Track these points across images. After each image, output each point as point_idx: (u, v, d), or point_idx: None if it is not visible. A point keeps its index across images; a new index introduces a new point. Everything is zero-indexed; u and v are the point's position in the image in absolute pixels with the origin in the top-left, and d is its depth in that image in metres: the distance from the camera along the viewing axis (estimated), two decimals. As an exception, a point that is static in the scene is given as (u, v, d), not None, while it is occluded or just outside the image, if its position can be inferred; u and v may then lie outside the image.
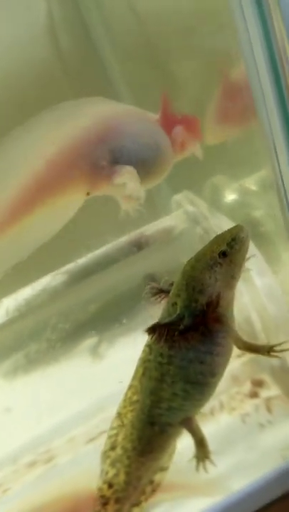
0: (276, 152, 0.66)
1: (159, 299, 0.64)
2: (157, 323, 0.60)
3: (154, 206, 0.90)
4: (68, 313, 0.95)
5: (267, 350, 0.63)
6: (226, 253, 0.59)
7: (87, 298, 0.96)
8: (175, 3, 0.87)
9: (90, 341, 0.95)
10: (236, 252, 0.59)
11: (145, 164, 0.71)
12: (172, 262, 0.95)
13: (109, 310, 0.95)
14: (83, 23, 0.96)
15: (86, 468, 0.77)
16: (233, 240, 0.60)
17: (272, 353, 0.63)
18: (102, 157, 0.68)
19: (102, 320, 0.95)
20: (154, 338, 0.60)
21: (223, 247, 0.60)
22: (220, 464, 0.70)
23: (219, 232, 0.83)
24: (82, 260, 0.94)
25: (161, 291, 0.64)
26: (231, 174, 0.92)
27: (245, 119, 0.77)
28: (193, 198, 0.95)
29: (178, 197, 0.97)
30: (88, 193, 0.70)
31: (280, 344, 0.63)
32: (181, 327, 0.59)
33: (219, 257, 0.59)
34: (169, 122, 0.74)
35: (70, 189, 0.68)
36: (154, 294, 0.64)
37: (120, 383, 0.74)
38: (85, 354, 0.95)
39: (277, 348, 0.63)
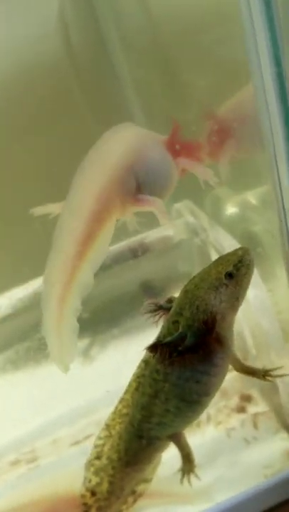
0: (278, 171, 0.65)
1: (157, 317, 0.62)
2: (159, 341, 0.59)
3: (153, 214, 0.89)
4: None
5: (262, 374, 0.62)
6: (232, 275, 0.58)
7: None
8: (189, 2, 0.87)
9: (81, 344, 0.94)
10: (242, 275, 0.59)
11: (161, 188, 0.72)
12: (169, 270, 0.95)
13: (103, 314, 0.94)
14: (95, 20, 0.95)
15: (68, 472, 0.76)
16: (240, 262, 0.59)
17: (267, 377, 0.63)
18: (131, 183, 0.69)
19: (95, 323, 0.94)
20: (155, 356, 0.58)
21: (230, 269, 0.59)
22: (203, 476, 0.70)
23: (217, 245, 0.83)
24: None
25: (160, 308, 0.63)
26: (234, 187, 0.91)
27: (228, 155, 0.79)
28: (193, 209, 0.94)
29: (178, 206, 0.97)
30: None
31: (275, 369, 0.63)
32: (183, 347, 0.58)
33: (225, 278, 0.58)
34: (175, 147, 0.75)
35: (110, 220, 0.68)
36: (152, 311, 0.62)
37: (107, 392, 0.75)
38: (75, 356, 0.94)
39: (273, 373, 0.63)
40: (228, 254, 0.61)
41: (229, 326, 0.61)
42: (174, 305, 0.62)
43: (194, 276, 0.62)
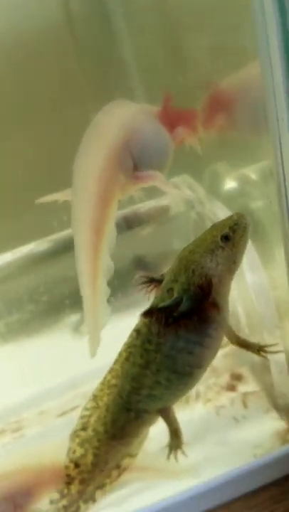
0: (281, 146, 0.62)
1: (149, 288, 0.60)
2: (154, 307, 0.57)
3: (150, 187, 0.86)
4: (52, 287, 0.91)
5: (257, 349, 0.61)
6: (228, 237, 0.57)
7: (72, 273, 0.93)
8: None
9: (72, 318, 0.92)
10: (239, 237, 0.57)
11: (158, 162, 0.72)
12: (163, 246, 0.92)
13: None
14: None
15: (53, 442, 0.74)
16: (236, 224, 0.58)
17: (262, 353, 0.61)
18: (128, 162, 0.68)
19: None
20: (149, 322, 0.57)
21: (226, 231, 0.57)
22: (191, 453, 0.68)
23: (214, 218, 0.80)
24: (69, 231, 0.89)
25: (152, 280, 0.61)
26: (233, 162, 0.88)
27: (224, 130, 0.78)
28: (191, 183, 0.91)
29: (176, 180, 0.94)
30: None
31: (270, 345, 0.62)
32: (179, 311, 0.56)
33: (221, 240, 0.57)
34: (168, 118, 0.74)
35: (114, 201, 0.68)
36: (144, 283, 0.60)
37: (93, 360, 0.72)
38: (66, 330, 0.92)
39: (268, 349, 0.61)
40: (223, 220, 0.60)
41: (225, 293, 0.59)
42: (168, 274, 0.59)
43: (188, 245, 0.60)
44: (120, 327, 0.66)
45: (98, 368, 0.67)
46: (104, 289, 0.69)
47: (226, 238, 0.57)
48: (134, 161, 0.69)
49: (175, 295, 0.57)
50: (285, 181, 0.64)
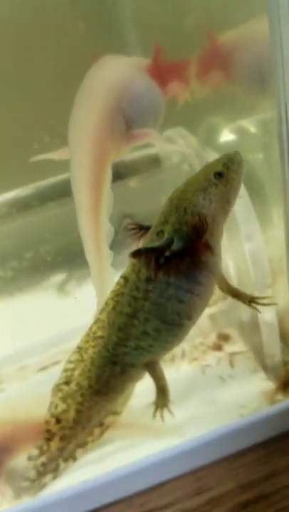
0: (285, 95, 0.59)
1: (138, 236, 0.57)
2: (143, 247, 0.53)
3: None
4: (37, 244, 0.87)
5: (249, 300, 0.57)
6: (221, 174, 0.54)
7: (57, 228, 0.88)
8: None
9: (58, 277, 0.88)
10: (233, 173, 0.54)
11: (150, 119, 0.71)
12: (153, 201, 0.88)
13: (80, 248, 0.87)
14: None
15: (34, 396, 0.71)
16: (230, 161, 0.54)
17: (253, 304, 0.57)
18: (120, 122, 0.67)
19: (74, 256, 0.87)
20: (138, 268, 0.54)
21: (219, 168, 0.54)
22: (176, 412, 0.65)
23: None
24: (54, 179, 0.84)
25: (141, 228, 0.57)
26: (230, 114, 0.84)
27: (222, 84, 0.76)
28: (185, 135, 0.86)
29: (170, 132, 0.88)
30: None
31: (263, 298, 0.58)
32: (170, 251, 0.52)
33: (214, 177, 0.54)
34: (159, 72, 0.72)
35: (107, 160, 0.67)
36: (132, 230, 0.57)
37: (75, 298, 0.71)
38: (50, 289, 0.88)
39: (260, 301, 0.57)
40: (216, 159, 0.56)
41: (219, 235, 0.55)
42: (158, 217, 0.55)
43: (180, 185, 0.56)
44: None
45: (83, 326, 0.63)
46: (107, 253, 0.68)
47: (219, 175, 0.54)
48: (126, 120, 0.67)
49: (165, 237, 0.53)
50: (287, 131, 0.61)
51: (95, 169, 0.66)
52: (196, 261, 0.53)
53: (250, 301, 0.57)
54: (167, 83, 0.73)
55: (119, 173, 0.81)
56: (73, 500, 0.66)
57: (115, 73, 0.70)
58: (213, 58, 0.76)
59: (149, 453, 0.68)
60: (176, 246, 0.52)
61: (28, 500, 0.66)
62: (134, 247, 0.56)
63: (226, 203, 0.54)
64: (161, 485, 0.68)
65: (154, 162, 0.82)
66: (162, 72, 0.72)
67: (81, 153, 0.66)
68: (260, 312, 0.58)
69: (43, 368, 0.81)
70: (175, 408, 0.66)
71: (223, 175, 0.53)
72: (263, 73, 0.63)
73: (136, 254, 0.52)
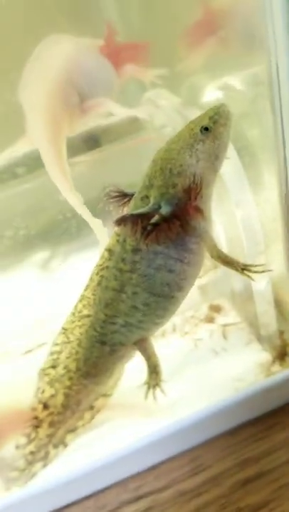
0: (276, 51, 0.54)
1: (121, 203, 0.51)
2: (129, 213, 0.48)
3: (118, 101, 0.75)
4: (17, 221, 0.80)
5: (241, 267, 0.51)
6: (208, 128, 0.48)
7: (37, 204, 0.82)
8: None
9: (41, 255, 0.81)
10: (221, 127, 0.48)
11: (104, 95, 0.69)
12: (136, 169, 0.82)
13: (64, 223, 0.81)
14: None
15: (19, 382, 0.66)
16: (217, 114, 0.48)
17: (246, 272, 0.52)
18: (73, 96, 0.65)
19: (56, 233, 0.81)
20: (123, 238, 0.48)
21: (205, 122, 0.48)
22: (168, 389, 0.60)
23: None
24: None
25: (124, 195, 0.51)
26: (213, 72, 0.77)
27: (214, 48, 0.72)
28: (167, 96, 0.79)
29: (150, 94, 0.82)
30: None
31: (256, 266, 0.52)
32: (158, 217, 0.46)
33: (201, 132, 0.48)
34: (113, 51, 0.70)
35: (57, 134, 0.65)
36: (115, 197, 0.51)
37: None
38: (34, 267, 0.81)
39: (253, 269, 0.52)
40: (202, 114, 0.50)
41: (208, 196, 0.50)
42: (141, 180, 0.50)
43: (162, 146, 0.50)
44: (89, 263, 0.57)
45: (69, 306, 0.58)
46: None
47: (206, 130, 0.48)
48: (79, 95, 0.66)
49: (152, 202, 0.47)
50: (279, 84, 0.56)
51: (50, 146, 0.63)
52: (185, 226, 0.48)
53: (243, 268, 0.51)
54: (121, 64, 0.71)
55: (97, 139, 0.75)
56: (67, 487, 0.62)
57: (65, 49, 0.67)
58: (207, 25, 0.72)
59: (142, 434, 0.63)
60: (163, 210, 0.47)
61: (20, 489, 0.61)
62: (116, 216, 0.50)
63: (215, 160, 0.49)
64: (156, 467, 0.64)
65: (135, 125, 0.76)
66: (116, 53, 0.70)
67: (34, 125, 0.64)
68: (253, 280, 0.53)
69: (28, 351, 0.75)
70: (167, 385, 0.62)
71: (211, 129, 0.48)
72: (253, 32, 0.59)
73: (121, 221, 0.47)
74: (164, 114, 0.72)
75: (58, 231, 0.79)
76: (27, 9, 0.73)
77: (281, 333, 0.71)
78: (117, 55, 0.70)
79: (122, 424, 0.65)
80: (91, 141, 0.79)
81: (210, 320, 0.78)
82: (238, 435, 0.65)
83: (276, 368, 0.69)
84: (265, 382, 0.66)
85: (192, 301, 0.79)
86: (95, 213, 0.77)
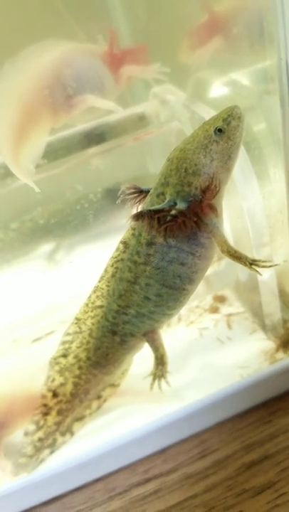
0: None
1: (137, 200, 0.51)
2: (146, 209, 0.47)
3: (125, 97, 0.74)
4: (23, 213, 0.79)
5: (250, 262, 0.51)
6: (222, 130, 0.48)
7: (43, 197, 0.80)
8: None
9: (47, 246, 0.80)
10: (234, 129, 0.48)
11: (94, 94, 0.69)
12: (140, 167, 0.80)
13: (69, 217, 0.80)
14: None
15: (30, 369, 0.65)
16: (230, 115, 0.48)
17: (254, 266, 0.51)
18: (59, 93, 0.67)
19: (62, 225, 0.80)
20: (138, 232, 0.48)
21: (219, 124, 0.48)
22: (175, 375, 0.60)
23: (199, 124, 0.69)
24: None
25: (140, 192, 0.51)
26: (220, 68, 0.76)
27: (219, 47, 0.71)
28: (173, 91, 0.78)
29: (157, 89, 0.80)
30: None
31: (264, 261, 0.52)
32: (174, 212, 0.46)
33: (215, 134, 0.48)
34: (115, 57, 0.71)
35: (39, 126, 0.67)
36: (131, 194, 0.50)
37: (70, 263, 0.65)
38: (40, 259, 0.80)
39: (261, 263, 0.51)
40: (215, 115, 0.50)
41: (221, 194, 0.49)
42: (157, 178, 0.49)
43: (179, 144, 0.50)
44: (94, 256, 0.58)
45: (75, 295, 0.58)
46: None
47: (219, 131, 0.48)
48: (67, 93, 0.67)
49: (167, 199, 0.47)
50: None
51: (19, 132, 0.64)
52: (198, 222, 0.47)
53: (251, 263, 0.51)
54: (121, 66, 0.71)
55: (104, 135, 0.74)
56: (77, 470, 0.61)
57: (59, 50, 0.68)
58: (212, 27, 0.71)
59: (150, 419, 0.62)
60: (179, 207, 0.47)
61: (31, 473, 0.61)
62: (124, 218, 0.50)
63: (228, 159, 0.48)
64: (164, 450, 0.64)
65: (141, 121, 0.74)
66: (118, 58, 0.71)
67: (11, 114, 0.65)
68: (261, 275, 0.52)
69: (37, 339, 0.73)
70: (175, 372, 0.61)
71: (224, 131, 0.48)
72: (262, 29, 0.58)
73: (138, 216, 0.47)
74: (170, 109, 0.71)
75: (64, 223, 0.78)
76: (33, 11, 0.73)
77: (285, 322, 0.70)
78: (118, 59, 0.71)
79: (131, 409, 0.64)
80: (97, 136, 0.78)
81: (214, 310, 0.77)
82: (243, 420, 0.64)
83: (280, 355, 0.68)
84: (269, 368, 0.66)
85: (197, 291, 0.78)
86: (100, 204, 0.77)
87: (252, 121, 0.66)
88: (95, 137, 0.77)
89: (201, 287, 0.77)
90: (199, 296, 0.79)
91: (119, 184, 0.80)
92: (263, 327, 0.70)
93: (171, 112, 0.72)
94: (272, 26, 0.54)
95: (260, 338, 0.70)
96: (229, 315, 0.75)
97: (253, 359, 0.67)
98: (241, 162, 0.63)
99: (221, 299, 0.79)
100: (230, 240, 0.70)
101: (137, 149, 0.80)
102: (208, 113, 0.65)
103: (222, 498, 0.58)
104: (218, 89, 0.71)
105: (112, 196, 0.80)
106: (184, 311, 0.77)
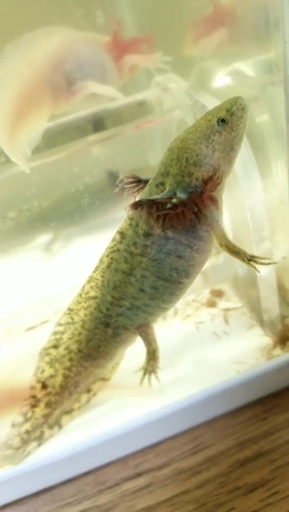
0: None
1: (135, 189, 0.49)
2: (145, 198, 0.45)
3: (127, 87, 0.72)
4: (21, 203, 0.77)
5: (248, 258, 0.49)
6: (225, 120, 0.46)
7: (41, 186, 0.78)
8: None
9: (44, 237, 0.79)
10: (237, 119, 0.46)
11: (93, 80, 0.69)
12: (140, 157, 0.78)
13: (67, 205, 0.78)
14: None
15: (18, 360, 0.63)
16: (234, 105, 0.46)
17: (252, 262, 0.49)
18: (60, 80, 0.66)
19: (59, 218, 0.78)
20: (138, 215, 0.46)
21: (222, 114, 0.46)
22: (170, 369, 0.59)
23: (201, 113, 0.67)
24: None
25: (138, 181, 0.49)
26: (224, 58, 0.73)
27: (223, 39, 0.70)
28: (176, 80, 0.76)
29: (159, 79, 0.78)
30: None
31: (263, 258, 0.50)
32: (174, 201, 0.44)
33: (218, 124, 0.46)
34: (119, 47, 0.71)
35: (38, 110, 0.66)
36: (130, 183, 0.49)
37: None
38: (37, 249, 0.79)
39: (259, 260, 0.49)
40: (218, 105, 0.48)
41: (222, 187, 0.47)
42: (157, 167, 0.47)
43: (180, 134, 0.48)
44: (91, 247, 0.56)
45: (70, 286, 0.56)
46: None
47: (222, 121, 0.46)
48: (68, 80, 0.66)
49: (167, 189, 0.45)
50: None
51: (18, 116, 0.63)
52: (198, 214, 0.46)
53: (250, 259, 0.49)
54: (124, 55, 0.71)
55: (103, 122, 0.72)
56: (66, 462, 0.59)
57: (61, 37, 0.68)
58: (217, 19, 0.70)
59: (144, 412, 0.61)
60: (178, 198, 0.45)
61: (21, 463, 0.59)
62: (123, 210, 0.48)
63: (231, 151, 0.46)
64: (156, 445, 0.62)
65: (143, 109, 0.72)
66: (122, 48, 0.70)
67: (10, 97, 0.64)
68: (258, 272, 0.50)
69: (31, 328, 0.72)
70: (169, 366, 0.60)
71: (227, 121, 0.46)
72: (268, 22, 0.57)
73: (136, 206, 0.45)
74: (172, 97, 0.69)
75: (62, 214, 0.77)
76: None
77: (283, 318, 0.68)
78: (122, 48, 0.70)
79: (125, 402, 0.63)
80: (97, 123, 0.76)
81: (211, 304, 0.75)
82: (238, 416, 0.63)
83: (277, 351, 0.66)
84: (265, 365, 0.64)
85: (194, 285, 0.76)
86: (98, 195, 0.75)
87: (255, 112, 0.64)
88: (96, 124, 0.76)
89: (198, 281, 0.75)
90: (196, 290, 0.77)
91: (117, 173, 0.79)
92: (261, 323, 0.68)
93: (173, 100, 0.70)
94: (277, 12, 0.52)
95: (258, 334, 0.68)
96: (226, 309, 0.73)
97: (249, 355, 0.65)
98: (243, 155, 0.61)
99: (218, 293, 0.77)
100: (230, 232, 0.69)
101: (138, 138, 0.79)
102: (210, 102, 0.63)
103: (214, 495, 0.57)
104: (222, 79, 0.69)
105: (112, 185, 0.79)
106: (180, 304, 0.76)
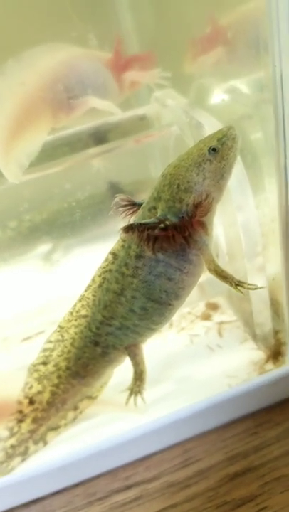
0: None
1: (128, 212, 0.49)
2: (136, 222, 0.46)
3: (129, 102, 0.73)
4: (22, 213, 0.77)
5: (236, 283, 0.49)
6: (216, 149, 0.46)
7: (42, 196, 0.78)
8: None
9: (43, 247, 0.78)
10: (228, 149, 0.46)
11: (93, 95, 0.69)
12: (141, 171, 0.78)
13: (67, 216, 0.78)
14: None
15: (6, 373, 0.63)
16: (225, 136, 0.47)
17: (239, 287, 0.50)
18: (61, 95, 0.67)
19: (60, 228, 0.78)
20: (130, 238, 0.46)
21: (214, 143, 0.47)
22: (162, 383, 0.58)
23: (197, 134, 0.67)
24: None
25: (133, 204, 0.49)
26: (221, 76, 0.73)
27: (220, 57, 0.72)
28: (175, 96, 0.76)
29: (158, 94, 0.78)
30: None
31: (250, 284, 0.50)
32: (163, 227, 0.45)
33: (209, 153, 0.46)
34: (120, 64, 0.71)
35: (37, 124, 0.67)
36: (123, 206, 0.49)
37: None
38: (36, 259, 0.79)
39: (246, 285, 0.50)
40: (210, 134, 0.49)
41: (212, 213, 0.48)
42: (150, 192, 0.48)
43: (173, 161, 0.48)
44: (90, 257, 0.55)
45: (67, 296, 0.56)
46: None
47: (213, 150, 0.46)
48: (69, 95, 0.67)
49: (159, 213, 0.46)
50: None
51: (16, 127, 0.64)
52: (188, 239, 0.46)
53: (237, 284, 0.49)
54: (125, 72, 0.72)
55: (103, 135, 0.72)
56: (56, 474, 0.59)
57: (64, 53, 0.69)
58: (215, 38, 0.71)
59: (134, 425, 0.60)
60: (169, 223, 0.45)
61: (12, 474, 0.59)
62: (122, 222, 0.49)
63: (221, 179, 0.47)
64: (147, 457, 0.61)
65: (143, 124, 0.72)
66: (123, 65, 0.71)
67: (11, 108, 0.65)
68: (244, 295, 0.51)
69: (27, 339, 0.72)
70: (162, 378, 0.59)
71: (218, 150, 0.46)
72: (258, 44, 0.57)
73: (128, 229, 0.45)
74: (170, 113, 0.69)
75: (61, 224, 0.77)
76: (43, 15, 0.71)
77: (276, 332, 0.67)
78: (123, 65, 0.71)
79: (115, 415, 0.62)
80: (98, 137, 0.76)
81: (206, 317, 0.74)
82: (229, 430, 0.62)
83: (269, 366, 0.65)
84: (257, 379, 0.63)
85: (190, 298, 0.75)
86: (98, 207, 0.75)
87: (249, 129, 0.64)
88: (96, 138, 0.76)
89: (194, 293, 0.75)
90: (192, 303, 0.77)
91: (118, 184, 0.79)
92: (254, 336, 0.67)
93: (171, 116, 0.70)
94: (266, 34, 0.52)
95: (251, 348, 0.67)
96: (221, 323, 0.73)
97: (242, 369, 0.65)
98: (238, 173, 0.61)
99: (213, 307, 0.76)
100: (223, 248, 0.68)
101: (138, 152, 0.78)
102: (206, 119, 0.63)
103: (202, 509, 0.56)
104: (219, 96, 0.69)
105: (112, 196, 0.79)
106: (175, 316, 0.74)
